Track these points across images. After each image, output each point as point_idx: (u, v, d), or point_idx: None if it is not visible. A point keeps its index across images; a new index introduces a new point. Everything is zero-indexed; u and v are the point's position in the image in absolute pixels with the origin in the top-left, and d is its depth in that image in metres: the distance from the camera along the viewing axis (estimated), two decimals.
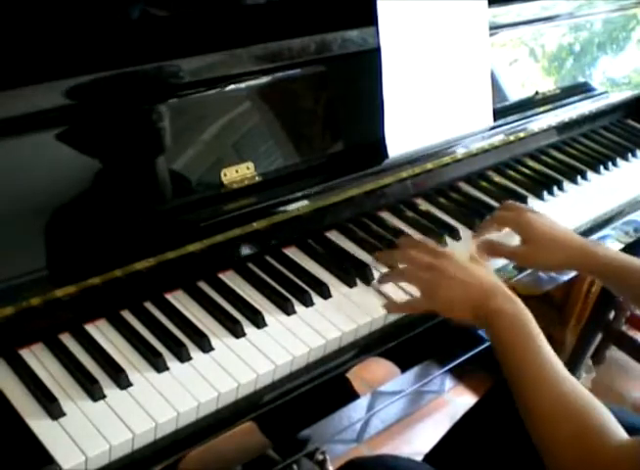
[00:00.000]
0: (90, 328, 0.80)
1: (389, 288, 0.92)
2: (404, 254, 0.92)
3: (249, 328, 0.83)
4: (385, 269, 0.95)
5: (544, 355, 0.77)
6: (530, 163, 1.32)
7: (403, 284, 0.92)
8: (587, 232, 1.16)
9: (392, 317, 0.91)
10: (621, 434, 0.70)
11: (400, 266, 0.92)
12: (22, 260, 0.72)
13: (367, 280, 0.94)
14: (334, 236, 1.02)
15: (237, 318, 0.84)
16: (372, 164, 1.01)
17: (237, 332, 0.82)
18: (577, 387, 0.74)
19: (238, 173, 0.88)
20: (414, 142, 1.04)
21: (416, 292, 0.89)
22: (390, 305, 0.90)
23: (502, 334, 0.80)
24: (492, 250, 1.01)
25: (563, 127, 1.37)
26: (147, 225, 0.81)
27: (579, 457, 0.69)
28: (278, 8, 0.93)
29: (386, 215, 1.09)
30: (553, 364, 0.76)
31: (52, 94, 0.72)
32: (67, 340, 0.78)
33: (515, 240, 1.02)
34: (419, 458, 1.07)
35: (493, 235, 1.05)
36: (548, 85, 1.30)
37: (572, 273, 1.15)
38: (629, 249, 1.19)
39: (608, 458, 0.68)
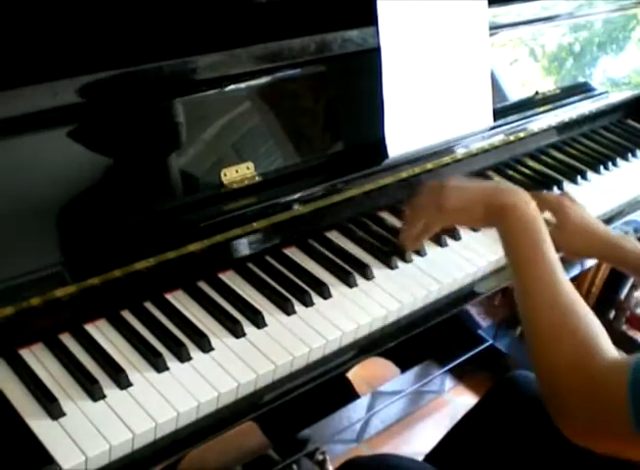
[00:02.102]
0: (90, 328, 0.80)
1: (390, 290, 0.92)
2: (413, 205, 0.95)
3: (249, 328, 0.83)
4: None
5: (549, 266, 0.78)
6: (530, 163, 1.32)
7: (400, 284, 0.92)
8: None
9: (393, 317, 0.91)
10: (613, 351, 0.72)
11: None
12: (22, 260, 0.72)
13: (367, 280, 0.94)
14: (334, 236, 1.02)
15: (237, 318, 0.84)
16: (372, 164, 1.01)
17: (237, 332, 0.82)
18: (577, 301, 0.75)
19: (238, 173, 0.88)
20: (414, 142, 1.04)
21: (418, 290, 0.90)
22: (406, 238, 0.93)
23: (514, 231, 0.82)
24: None
25: (563, 127, 1.37)
26: (147, 225, 0.81)
27: (573, 368, 0.70)
28: (278, 8, 0.93)
29: (386, 215, 1.09)
30: (556, 275, 0.77)
31: (52, 94, 0.72)
32: (67, 340, 0.78)
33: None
34: (419, 458, 1.07)
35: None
36: (548, 85, 1.30)
37: (574, 272, 1.16)
38: None
39: (597, 372, 0.69)
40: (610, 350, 0.72)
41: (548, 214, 1.05)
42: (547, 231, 0.81)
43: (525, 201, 0.84)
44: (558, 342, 0.72)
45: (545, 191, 1.13)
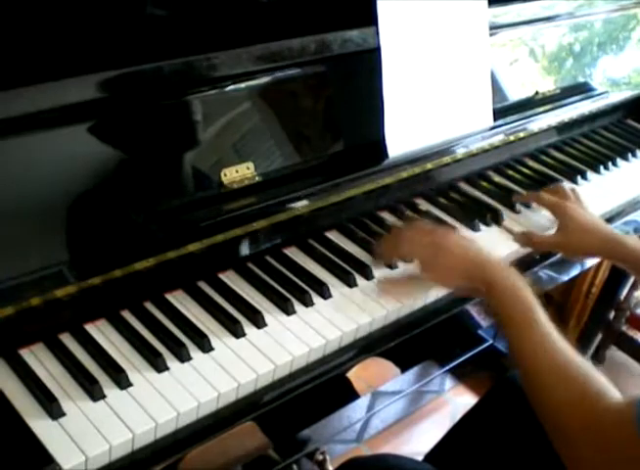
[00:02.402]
0: (90, 328, 0.80)
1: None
2: (402, 234, 0.94)
3: (249, 328, 0.83)
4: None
5: (542, 326, 0.79)
6: (530, 163, 1.32)
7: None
8: None
9: (392, 317, 0.91)
10: (617, 394, 0.72)
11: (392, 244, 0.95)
12: (23, 260, 0.72)
13: (367, 280, 0.94)
14: (334, 236, 1.02)
15: (237, 318, 0.84)
16: (372, 164, 1.01)
17: (237, 332, 0.82)
18: (574, 355, 0.76)
19: (238, 173, 0.88)
20: (414, 142, 1.04)
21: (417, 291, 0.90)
22: (387, 285, 0.91)
23: (501, 305, 0.82)
24: (526, 241, 1.07)
25: (563, 127, 1.37)
26: (147, 225, 0.81)
27: (583, 423, 0.70)
28: (278, 8, 0.93)
29: (386, 215, 1.09)
30: (551, 335, 0.78)
31: (52, 94, 0.72)
32: (67, 340, 0.78)
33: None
34: (419, 458, 1.07)
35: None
36: (548, 85, 1.30)
37: (574, 272, 1.16)
38: None
39: (604, 415, 0.69)
40: (612, 392, 0.72)
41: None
42: (533, 295, 0.82)
43: (505, 272, 0.84)
44: (559, 389, 0.73)
45: (546, 192, 1.13)
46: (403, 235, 0.94)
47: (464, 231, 1.07)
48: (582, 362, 0.75)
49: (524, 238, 1.07)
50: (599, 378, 0.73)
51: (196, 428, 0.74)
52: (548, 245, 1.07)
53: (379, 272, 0.95)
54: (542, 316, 0.80)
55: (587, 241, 1.03)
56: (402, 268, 0.96)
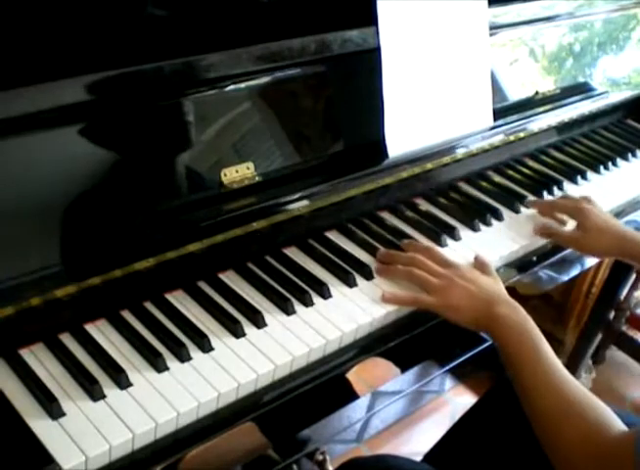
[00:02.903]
0: (90, 328, 0.80)
1: (390, 290, 0.92)
2: (412, 258, 0.94)
3: (249, 328, 0.83)
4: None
5: (546, 362, 0.80)
6: (530, 163, 1.32)
7: (400, 286, 0.92)
8: None
9: (392, 317, 0.91)
10: (621, 426, 0.73)
11: (405, 267, 0.93)
12: (22, 260, 0.72)
13: (367, 280, 0.94)
14: (334, 236, 1.02)
15: (237, 318, 0.84)
16: (372, 164, 1.01)
17: (237, 332, 0.82)
18: (579, 389, 0.77)
19: (238, 173, 0.88)
20: (414, 142, 1.04)
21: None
22: (390, 295, 0.91)
23: (505, 341, 0.84)
24: (549, 232, 1.09)
25: (563, 127, 1.37)
26: (147, 225, 0.81)
27: (588, 455, 0.72)
28: (278, 8, 0.93)
29: (386, 215, 1.09)
30: (555, 370, 0.80)
31: (52, 94, 0.72)
32: (67, 340, 0.78)
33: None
34: (419, 458, 1.07)
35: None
36: (548, 85, 1.30)
37: (574, 272, 1.16)
38: None
39: (609, 449, 0.71)
40: (614, 423, 0.74)
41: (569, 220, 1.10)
42: (538, 332, 0.83)
43: (513, 308, 0.86)
44: (563, 422, 0.75)
45: (561, 198, 1.16)
46: (417, 261, 0.93)
47: (464, 231, 1.07)
48: (587, 395, 0.77)
49: (546, 229, 1.09)
50: (605, 410, 0.75)
51: (196, 428, 0.74)
52: (568, 240, 1.08)
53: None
54: (548, 352, 0.81)
55: (606, 239, 1.05)
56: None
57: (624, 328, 1.85)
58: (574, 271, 1.20)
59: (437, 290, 0.89)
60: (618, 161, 1.38)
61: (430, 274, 0.91)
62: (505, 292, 0.91)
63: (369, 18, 0.95)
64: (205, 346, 0.80)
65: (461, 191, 1.19)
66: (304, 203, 0.94)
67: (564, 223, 1.12)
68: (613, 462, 0.70)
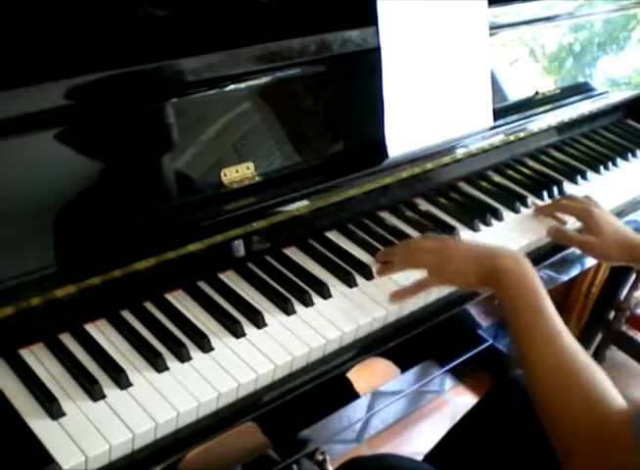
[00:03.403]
0: (90, 328, 0.80)
1: (390, 290, 0.92)
2: (404, 246, 0.94)
3: (249, 328, 0.83)
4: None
5: (550, 318, 0.78)
6: (530, 163, 1.32)
7: (400, 285, 0.92)
8: None
9: (392, 317, 0.91)
10: (620, 399, 0.71)
11: (399, 257, 0.94)
12: (23, 260, 0.72)
13: (367, 280, 0.94)
14: (334, 236, 1.02)
15: (237, 318, 0.84)
16: (372, 164, 1.01)
17: (237, 332, 0.82)
18: (580, 352, 0.75)
19: (238, 173, 0.88)
20: (414, 142, 1.04)
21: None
22: (398, 292, 0.90)
23: (509, 294, 0.81)
24: (561, 235, 1.08)
25: (563, 127, 1.37)
26: (147, 225, 0.81)
27: (584, 428, 0.70)
28: (278, 8, 0.93)
29: (386, 215, 1.09)
30: (558, 329, 0.77)
31: (52, 94, 0.72)
32: (67, 340, 0.78)
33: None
34: (419, 458, 1.07)
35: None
36: (548, 85, 1.30)
37: (574, 272, 1.16)
38: None
39: (610, 427, 0.69)
40: (614, 397, 0.71)
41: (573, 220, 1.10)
42: (542, 285, 0.81)
43: (517, 261, 0.84)
44: (563, 396, 0.72)
45: (565, 199, 1.15)
46: (407, 248, 0.93)
47: (464, 231, 1.07)
48: (588, 362, 0.74)
49: (558, 232, 1.08)
50: (605, 381, 0.73)
51: (196, 428, 0.74)
52: (582, 245, 1.06)
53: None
54: (551, 309, 0.79)
55: (618, 246, 1.03)
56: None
57: (624, 328, 1.85)
58: (574, 271, 1.20)
59: (436, 264, 0.89)
60: (618, 161, 1.38)
61: (424, 252, 0.90)
62: (506, 248, 0.89)
63: (369, 18, 0.95)
64: (205, 346, 0.79)
65: (461, 191, 1.19)
66: (304, 203, 0.94)
67: (564, 223, 1.12)
68: (610, 438, 0.68)
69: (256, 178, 0.89)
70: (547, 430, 0.74)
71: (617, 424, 0.68)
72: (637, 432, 0.65)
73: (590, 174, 1.31)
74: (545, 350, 0.76)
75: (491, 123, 1.14)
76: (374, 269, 0.95)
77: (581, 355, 0.75)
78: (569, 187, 1.26)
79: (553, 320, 0.78)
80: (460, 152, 1.13)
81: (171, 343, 0.79)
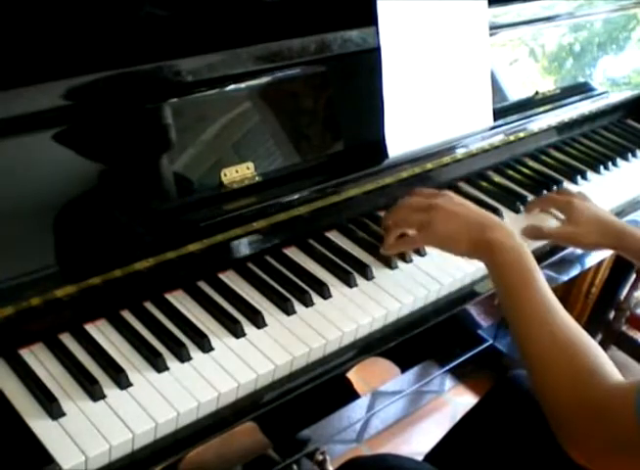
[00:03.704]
0: (90, 328, 0.80)
1: (390, 290, 0.92)
2: (399, 206, 0.94)
3: (249, 328, 0.83)
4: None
5: (542, 293, 0.78)
6: (530, 163, 1.32)
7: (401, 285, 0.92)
8: None
9: (392, 317, 0.91)
10: (617, 375, 0.70)
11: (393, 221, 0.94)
12: (22, 260, 0.72)
13: (367, 280, 0.94)
14: (334, 236, 1.02)
15: (237, 318, 0.84)
16: (372, 164, 1.01)
17: (237, 332, 0.82)
18: (574, 327, 0.75)
19: (238, 173, 0.88)
20: (414, 142, 1.04)
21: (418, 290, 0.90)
22: (386, 245, 0.92)
23: (500, 268, 0.81)
24: (536, 233, 1.07)
25: (563, 127, 1.37)
26: (147, 225, 0.81)
27: (582, 402, 0.69)
28: (278, 8, 0.93)
29: None
30: (551, 302, 0.77)
31: (52, 94, 0.72)
32: (67, 340, 0.78)
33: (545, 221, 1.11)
34: (419, 458, 1.07)
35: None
36: (548, 85, 1.30)
37: (574, 272, 1.16)
38: None
39: (601, 396, 0.68)
40: (612, 374, 0.70)
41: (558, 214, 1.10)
42: (535, 262, 0.81)
43: (508, 233, 0.84)
44: (557, 370, 0.72)
45: (555, 189, 1.15)
46: (403, 203, 0.93)
47: None
48: (583, 336, 0.74)
49: (534, 230, 1.07)
50: (600, 356, 0.72)
51: (196, 428, 0.74)
52: (557, 235, 1.07)
53: (378, 272, 0.95)
54: (543, 283, 0.79)
55: (596, 231, 1.04)
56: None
57: (624, 328, 1.85)
58: (574, 271, 1.20)
59: (425, 224, 0.88)
60: (618, 161, 1.38)
61: (414, 211, 0.90)
62: (497, 217, 0.88)
63: (369, 18, 0.95)
64: (205, 346, 0.79)
65: (461, 191, 1.19)
66: (304, 203, 0.94)
67: (557, 218, 1.11)
68: (606, 413, 0.67)
69: (256, 178, 0.89)
70: (540, 403, 0.73)
71: (612, 399, 0.67)
72: (638, 407, 0.64)
73: (590, 174, 1.32)
74: (539, 324, 0.75)
75: (491, 123, 1.14)
76: (374, 269, 0.95)
77: (577, 329, 0.74)
78: (569, 187, 1.26)
79: (547, 295, 0.78)
80: (460, 152, 1.13)
81: (171, 343, 0.79)
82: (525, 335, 0.76)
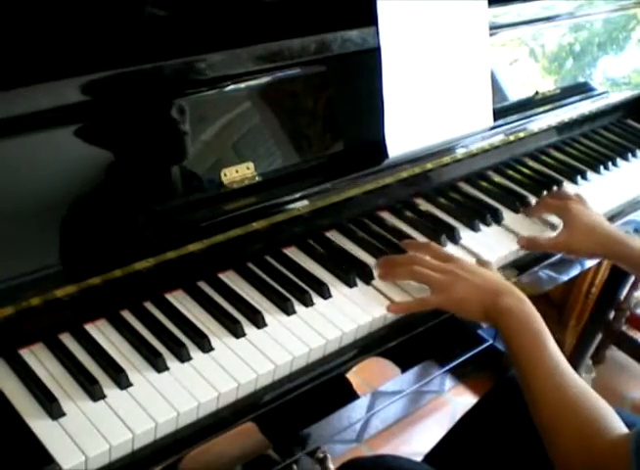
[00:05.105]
0: (90, 328, 0.80)
1: (390, 290, 0.92)
2: (412, 257, 0.94)
3: (249, 328, 0.83)
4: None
5: (551, 356, 0.80)
6: (530, 163, 1.32)
7: (400, 286, 0.92)
8: None
9: (392, 317, 0.91)
10: (622, 428, 0.73)
11: (406, 267, 0.93)
12: (22, 260, 0.72)
13: (367, 280, 0.94)
14: (334, 236, 1.02)
15: (237, 318, 0.84)
16: (372, 164, 1.01)
17: (237, 332, 0.82)
18: (581, 388, 0.77)
19: (238, 173, 0.88)
20: (414, 142, 1.04)
21: (417, 293, 0.90)
22: (396, 306, 0.90)
23: (511, 333, 0.84)
24: (531, 244, 1.07)
25: (563, 127, 1.37)
26: (147, 225, 0.81)
27: (583, 456, 0.72)
28: (278, 8, 0.93)
29: (386, 215, 1.09)
30: (559, 364, 0.80)
31: (52, 94, 0.72)
32: (67, 340, 0.78)
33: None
34: (419, 458, 1.07)
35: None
36: (548, 85, 1.30)
37: (574, 272, 1.16)
38: None
39: (605, 448, 0.71)
40: (617, 428, 0.73)
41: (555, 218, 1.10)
42: (544, 325, 0.83)
43: (519, 299, 0.85)
44: (562, 428, 0.75)
45: (554, 190, 1.15)
46: (413, 261, 0.93)
47: (464, 231, 1.07)
48: (588, 393, 0.77)
49: (530, 242, 1.07)
50: (603, 409, 0.75)
51: (196, 428, 0.74)
52: (553, 245, 1.07)
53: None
54: (553, 346, 0.81)
55: (591, 240, 1.04)
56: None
57: (624, 328, 1.85)
58: (574, 271, 1.20)
59: (441, 286, 0.89)
60: (618, 161, 1.38)
61: (431, 270, 0.90)
62: (510, 284, 0.90)
63: (369, 18, 0.95)
64: (205, 346, 0.80)
65: (461, 191, 1.19)
66: (304, 203, 0.94)
67: (554, 228, 1.11)
68: (607, 464, 0.70)
69: (256, 178, 0.89)
70: (548, 453, 0.76)
71: (612, 450, 0.70)
72: (632, 453, 0.67)
73: (590, 174, 1.31)
74: (547, 385, 0.78)
75: (491, 123, 1.14)
76: (374, 270, 0.95)
77: (584, 387, 0.78)
78: (569, 187, 1.26)
79: (556, 357, 0.80)
80: (460, 152, 1.13)
81: (171, 343, 0.79)
82: (537, 394, 0.79)
